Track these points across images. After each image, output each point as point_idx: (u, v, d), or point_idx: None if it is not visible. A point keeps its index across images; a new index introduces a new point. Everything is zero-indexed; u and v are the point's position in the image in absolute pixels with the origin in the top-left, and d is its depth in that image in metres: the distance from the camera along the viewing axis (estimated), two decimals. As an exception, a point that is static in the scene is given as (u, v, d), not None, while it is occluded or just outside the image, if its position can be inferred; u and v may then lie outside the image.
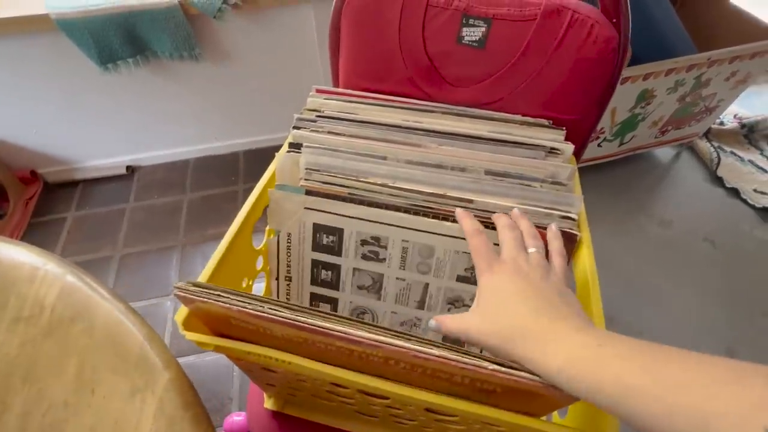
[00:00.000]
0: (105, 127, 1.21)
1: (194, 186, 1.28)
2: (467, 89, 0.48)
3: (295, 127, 0.45)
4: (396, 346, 0.24)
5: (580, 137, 0.49)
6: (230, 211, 1.19)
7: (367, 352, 0.25)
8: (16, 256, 0.40)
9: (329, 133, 0.44)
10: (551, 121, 0.46)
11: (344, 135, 0.44)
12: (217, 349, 0.30)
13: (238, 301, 0.26)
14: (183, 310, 0.31)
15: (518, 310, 0.28)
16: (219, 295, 0.26)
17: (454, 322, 0.31)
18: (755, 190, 1.20)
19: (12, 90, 1.07)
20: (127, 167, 1.31)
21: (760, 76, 1.14)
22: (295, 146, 0.43)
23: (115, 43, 0.99)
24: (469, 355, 0.24)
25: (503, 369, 0.24)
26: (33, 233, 1.17)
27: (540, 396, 0.25)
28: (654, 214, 1.18)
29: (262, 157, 1.32)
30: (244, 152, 1.37)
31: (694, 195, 1.23)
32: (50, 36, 0.95)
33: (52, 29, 0.93)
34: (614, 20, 0.42)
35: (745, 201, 1.19)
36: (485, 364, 0.24)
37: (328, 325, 0.24)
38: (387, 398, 0.31)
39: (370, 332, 0.24)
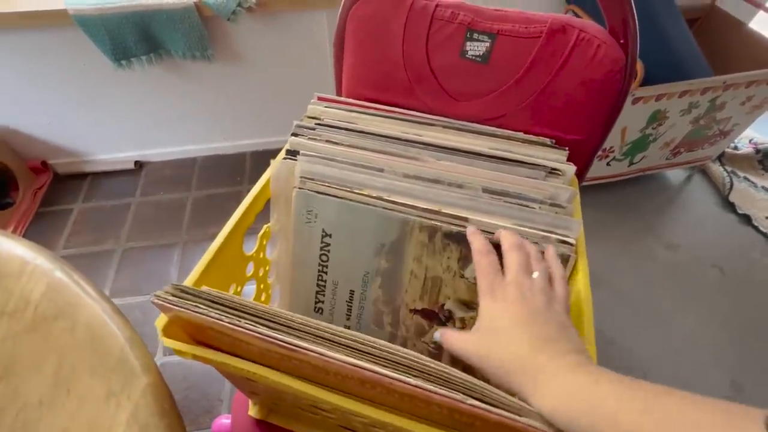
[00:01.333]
0: (116, 122, 1.23)
1: (200, 184, 1.29)
2: (469, 103, 0.48)
3: (293, 134, 0.44)
4: (371, 371, 0.23)
5: (583, 158, 0.48)
6: (234, 211, 1.20)
7: (342, 374, 0.24)
8: (8, 249, 0.40)
9: (327, 141, 0.43)
10: (554, 141, 0.45)
11: (342, 144, 0.43)
12: (195, 358, 0.30)
13: (216, 312, 0.25)
14: (163, 317, 0.30)
15: (518, 341, 0.28)
16: (197, 305, 0.26)
17: (456, 341, 0.31)
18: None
19: (29, 82, 1.09)
20: (136, 162, 1.32)
21: (778, 102, 1.11)
22: (292, 153, 0.42)
23: (130, 40, 1.00)
24: (449, 384, 0.24)
25: (482, 405, 0.23)
26: (40, 222, 1.19)
27: None
28: (662, 236, 1.16)
29: (268, 159, 1.31)
30: (251, 153, 1.37)
31: (705, 219, 1.21)
32: (67, 31, 0.97)
33: (70, 24, 0.94)
34: (622, 41, 0.41)
35: (756, 228, 1.16)
36: (463, 398, 0.23)
37: (303, 344, 0.24)
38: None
39: (348, 355, 0.24)
